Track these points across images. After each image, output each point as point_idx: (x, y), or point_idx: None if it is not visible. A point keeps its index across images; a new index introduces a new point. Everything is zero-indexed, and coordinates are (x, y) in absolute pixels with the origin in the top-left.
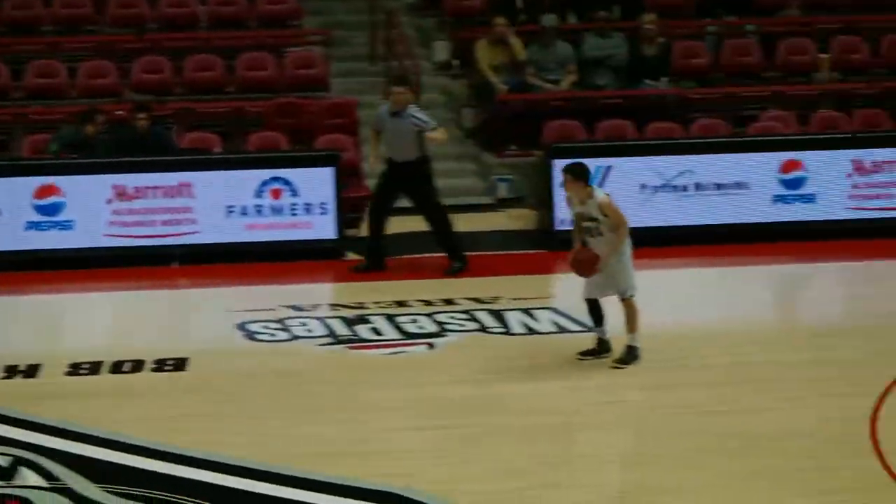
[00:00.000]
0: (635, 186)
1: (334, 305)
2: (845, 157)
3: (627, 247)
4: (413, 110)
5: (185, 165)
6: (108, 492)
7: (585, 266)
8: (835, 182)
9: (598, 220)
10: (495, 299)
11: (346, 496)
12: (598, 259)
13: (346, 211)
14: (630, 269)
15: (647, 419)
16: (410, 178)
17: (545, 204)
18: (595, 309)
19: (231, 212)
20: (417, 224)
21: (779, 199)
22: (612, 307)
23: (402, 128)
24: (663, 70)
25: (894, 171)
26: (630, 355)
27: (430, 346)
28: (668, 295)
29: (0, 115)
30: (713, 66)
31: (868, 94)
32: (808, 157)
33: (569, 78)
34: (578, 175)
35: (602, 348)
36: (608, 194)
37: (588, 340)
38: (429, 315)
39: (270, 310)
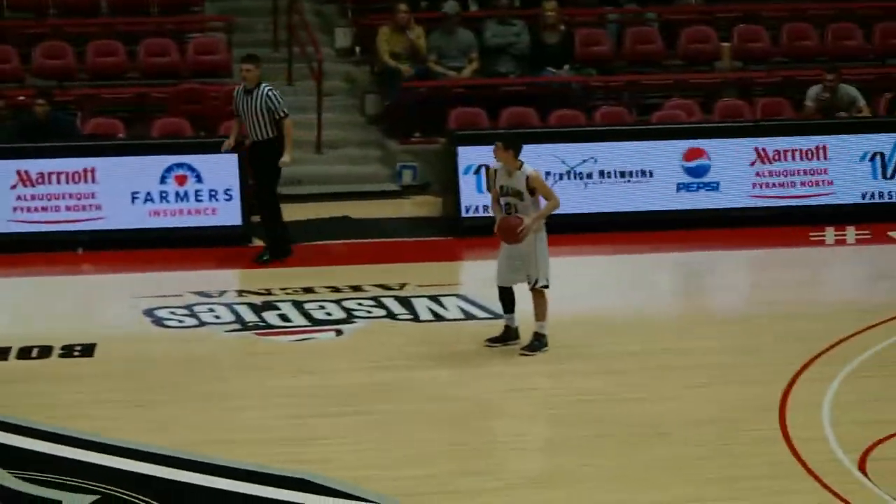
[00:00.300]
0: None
1: (241, 292)
2: (748, 145)
3: (544, 235)
4: (266, 89)
5: (89, 151)
6: (16, 477)
7: (509, 232)
8: (738, 170)
9: (521, 196)
10: (402, 286)
11: (255, 482)
12: (520, 223)
13: (251, 197)
14: (546, 258)
15: (554, 406)
16: (260, 159)
17: (450, 191)
18: (507, 295)
19: (136, 198)
20: (324, 210)
21: (682, 186)
22: (521, 294)
23: (255, 107)
24: (566, 58)
25: (796, 159)
26: (538, 343)
27: (339, 332)
28: (573, 283)
29: None
30: (615, 55)
31: (769, 82)
32: (711, 145)
33: (471, 65)
34: (510, 145)
35: (509, 335)
36: (537, 171)
37: (496, 327)
38: (336, 301)
39: (178, 296)
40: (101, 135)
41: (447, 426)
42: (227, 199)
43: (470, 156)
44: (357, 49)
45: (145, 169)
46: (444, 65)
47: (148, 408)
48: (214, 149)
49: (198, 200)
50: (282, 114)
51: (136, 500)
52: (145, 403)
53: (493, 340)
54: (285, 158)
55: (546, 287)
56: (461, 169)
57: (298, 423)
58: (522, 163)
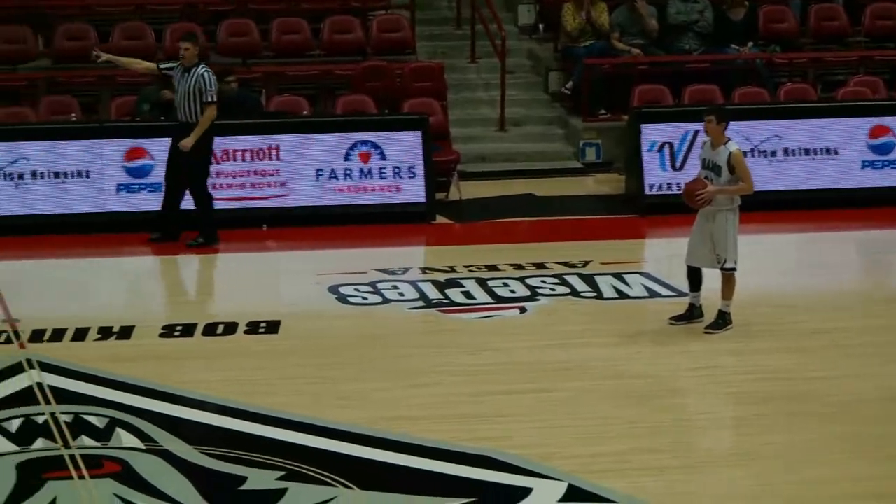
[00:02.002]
0: None
1: (425, 269)
2: None
3: (736, 217)
4: (202, 70)
5: (274, 129)
6: (203, 453)
7: (688, 195)
8: None
9: (719, 171)
10: (586, 263)
11: (437, 458)
12: (700, 187)
13: (435, 174)
14: (735, 240)
15: (737, 384)
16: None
17: (633, 168)
18: (695, 275)
19: (320, 175)
20: (508, 187)
21: (867, 164)
22: (710, 273)
23: (189, 87)
24: (749, 35)
25: None
26: (721, 321)
27: (522, 309)
28: (758, 261)
29: (86, 77)
30: (800, 31)
31: None
32: None
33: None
34: (722, 118)
35: (693, 314)
36: (740, 150)
37: (680, 305)
38: (520, 279)
39: (362, 273)
40: (285, 112)
41: (628, 404)
42: (410, 177)
43: (653, 133)
44: (540, 26)
45: (329, 146)
46: (627, 42)
47: (332, 384)
48: (399, 126)
49: (381, 177)
50: (210, 98)
51: (321, 477)
52: (329, 380)
53: (677, 318)
54: (186, 141)
55: (733, 270)
56: (644, 146)
57: (480, 400)
58: (728, 139)
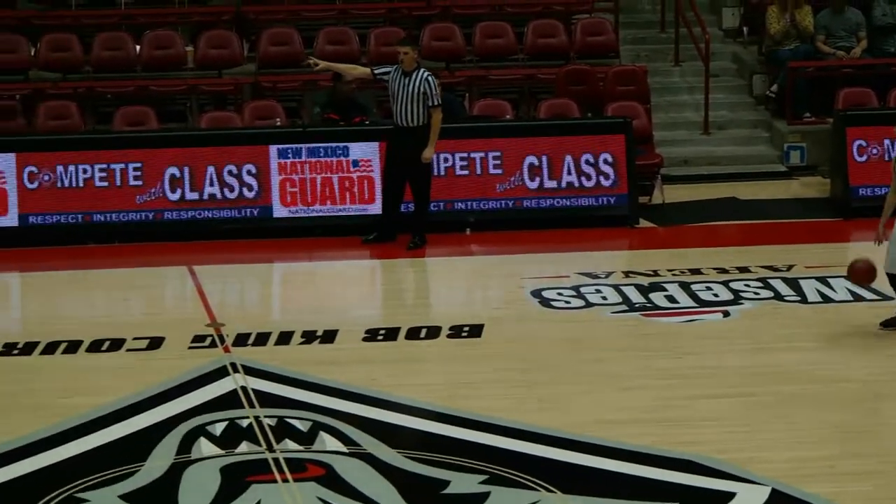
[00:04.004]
0: None
1: (628, 273)
2: None
3: None
4: (426, 75)
5: (476, 133)
6: (406, 457)
7: (859, 274)
8: None
9: None
10: (790, 267)
11: (642, 463)
12: (872, 271)
13: (638, 178)
14: None
15: None
16: (413, 146)
17: (838, 172)
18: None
19: (523, 179)
20: (711, 191)
21: None
22: None
23: (411, 91)
24: None
25: None
26: None
27: (725, 313)
28: None
29: (290, 83)
30: None
31: None
32: None
33: (860, 45)
34: None
35: None
36: None
37: (886, 309)
38: (723, 283)
39: (565, 277)
40: (488, 116)
41: (834, 408)
42: (614, 181)
43: (858, 136)
44: (745, 29)
45: (534, 150)
46: (832, 44)
47: (535, 388)
48: (602, 130)
49: (585, 181)
50: (436, 102)
51: (525, 481)
52: (533, 384)
53: (888, 324)
54: (427, 153)
55: None
56: (851, 150)
57: (684, 404)
58: None
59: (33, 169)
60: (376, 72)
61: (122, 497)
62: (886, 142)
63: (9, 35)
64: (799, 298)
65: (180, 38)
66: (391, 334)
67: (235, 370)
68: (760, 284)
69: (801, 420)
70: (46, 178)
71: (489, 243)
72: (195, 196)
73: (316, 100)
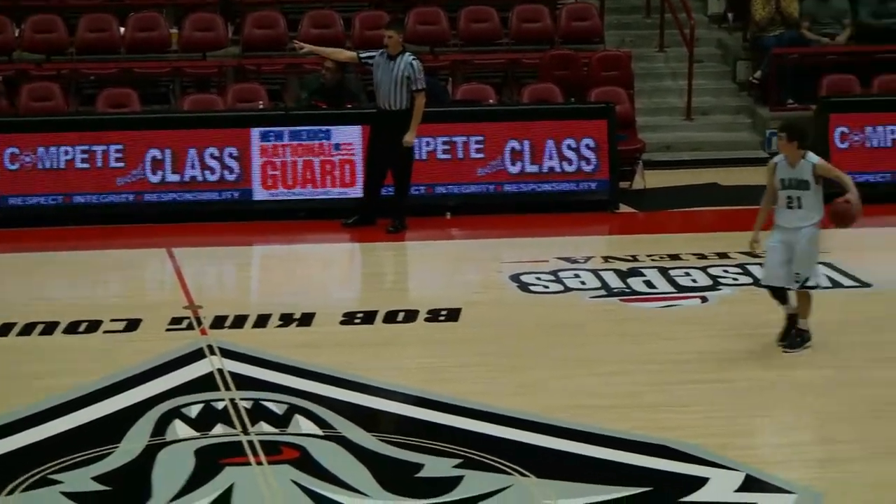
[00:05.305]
0: None
1: (607, 258)
2: None
3: (819, 232)
4: (410, 59)
5: (458, 117)
6: (380, 440)
7: (847, 217)
8: None
9: (806, 185)
10: None
11: (617, 448)
12: (849, 206)
13: (620, 163)
14: (817, 256)
15: None
16: (395, 129)
17: (821, 158)
18: (780, 294)
19: (503, 163)
20: (693, 176)
21: None
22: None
23: (395, 75)
24: None
25: None
26: (800, 339)
27: (704, 299)
28: None
29: (274, 65)
30: None
31: None
32: None
33: (845, 32)
34: (794, 135)
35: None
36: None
37: (864, 296)
38: (702, 269)
39: (544, 261)
40: (470, 101)
41: (809, 394)
42: (595, 165)
43: (841, 123)
44: (730, 15)
45: (515, 134)
46: (817, 31)
47: (512, 372)
48: (584, 115)
49: (566, 166)
50: (420, 86)
51: (499, 465)
52: (510, 368)
53: (784, 339)
54: (408, 137)
55: (816, 287)
56: (833, 137)
57: (660, 389)
58: (806, 151)
59: (15, 150)
60: (362, 56)
61: (95, 479)
62: (868, 129)
63: None
64: None
65: (165, 21)
66: (369, 318)
67: (212, 352)
68: (739, 270)
69: (776, 406)
70: (28, 159)
71: (469, 227)
72: (176, 178)
73: (305, 86)
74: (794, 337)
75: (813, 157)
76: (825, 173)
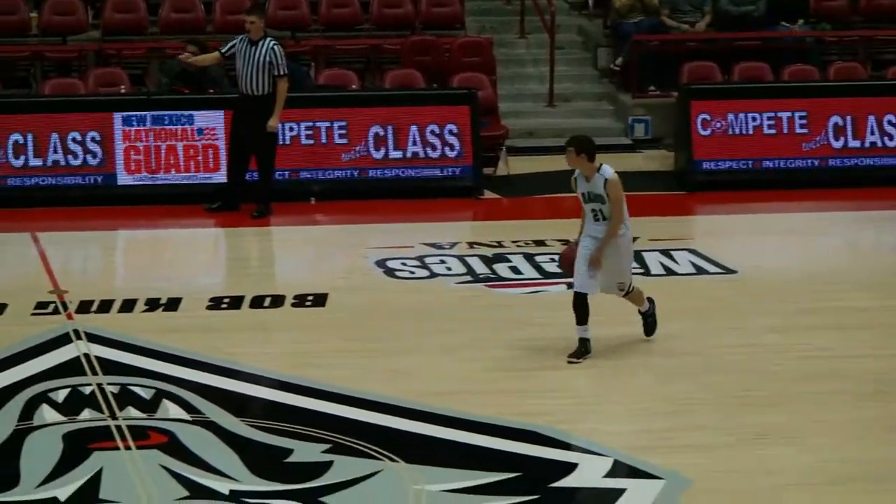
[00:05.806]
0: None
1: (473, 244)
2: None
3: (627, 239)
4: (272, 44)
5: (322, 102)
6: (249, 425)
7: (566, 263)
8: None
9: (603, 200)
10: (634, 240)
11: (486, 433)
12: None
13: (483, 150)
14: (631, 263)
15: (782, 361)
16: (258, 115)
17: (683, 145)
18: (583, 306)
19: (367, 149)
20: (556, 163)
21: None
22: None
23: (257, 60)
24: (800, 13)
25: None
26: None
27: (569, 285)
28: (806, 240)
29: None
30: (851, 9)
31: None
32: None
33: (704, 19)
34: (581, 148)
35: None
36: (617, 176)
37: (729, 283)
38: None
39: (409, 247)
40: (333, 86)
41: (674, 381)
42: (458, 152)
43: (703, 110)
44: (590, 2)
45: (378, 120)
46: (677, 19)
47: (379, 358)
48: (447, 101)
49: (429, 152)
50: (282, 72)
51: (367, 450)
52: (376, 354)
53: (575, 356)
54: (272, 122)
55: (633, 289)
56: (695, 123)
57: (527, 375)
58: (601, 164)
59: None
60: (224, 52)
61: None
62: (731, 116)
63: None
64: (643, 271)
65: (24, 4)
66: (235, 302)
67: (78, 337)
68: None
69: (642, 392)
70: None
71: (334, 213)
72: (38, 163)
73: (166, 70)
74: (579, 347)
75: (607, 171)
76: (611, 193)
